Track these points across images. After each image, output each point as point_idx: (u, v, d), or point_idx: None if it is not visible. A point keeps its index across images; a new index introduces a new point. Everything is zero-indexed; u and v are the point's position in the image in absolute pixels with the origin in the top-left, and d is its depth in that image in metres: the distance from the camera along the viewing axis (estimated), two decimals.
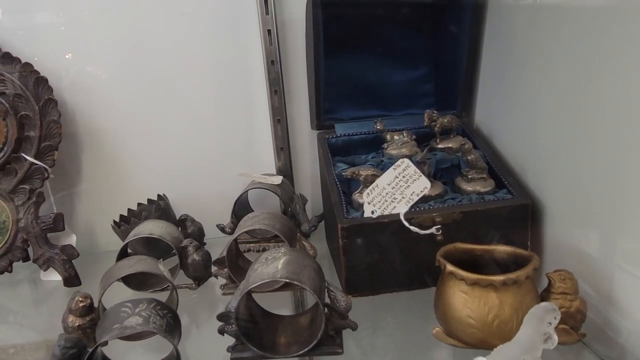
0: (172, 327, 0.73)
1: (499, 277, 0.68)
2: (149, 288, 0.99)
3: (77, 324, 0.80)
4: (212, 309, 0.99)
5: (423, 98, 1.25)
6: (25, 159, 1.08)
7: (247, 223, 0.97)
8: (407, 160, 0.89)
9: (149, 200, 1.18)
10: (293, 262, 0.76)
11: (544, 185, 0.92)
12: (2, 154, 1.09)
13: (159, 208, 1.13)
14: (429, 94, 1.25)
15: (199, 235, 1.16)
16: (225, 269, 0.98)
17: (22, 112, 1.09)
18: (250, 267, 0.80)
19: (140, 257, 0.88)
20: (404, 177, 0.87)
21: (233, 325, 0.76)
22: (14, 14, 1.14)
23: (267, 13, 1.15)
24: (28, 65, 1.10)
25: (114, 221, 1.15)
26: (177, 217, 1.18)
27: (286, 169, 1.28)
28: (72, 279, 1.08)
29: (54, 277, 1.11)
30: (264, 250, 1.12)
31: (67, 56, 1.16)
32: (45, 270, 1.09)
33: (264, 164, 1.28)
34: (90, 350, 0.68)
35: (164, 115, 1.23)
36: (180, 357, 0.74)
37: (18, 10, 1.14)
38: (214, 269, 1.00)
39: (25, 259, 1.13)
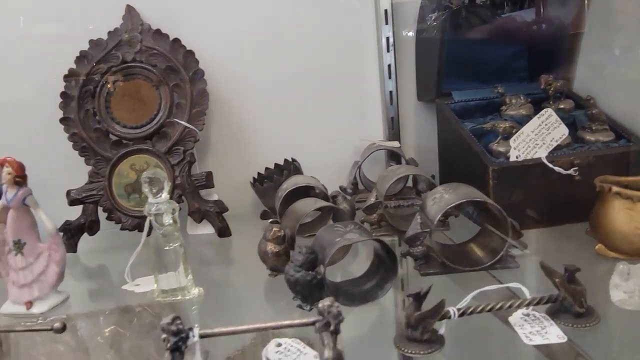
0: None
1: None
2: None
3: (275, 250, 0.91)
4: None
5: (517, 72, 1.38)
6: (179, 123, 1.20)
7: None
8: (550, 110, 1.01)
9: (285, 161, 1.29)
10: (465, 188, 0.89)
11: None
12: (157, 119, 1.21)
13: (296, 168, 1.25)
14: (523, 68, 1.39)
15: (324, 197, 1.27)
16: (374, 215, 1.09)
17: (174, 82, 1.21)
18: (421, 204, 0.93)
19: (313, 199, 1.00)
20: (546, 124, 1.00)
21: (419, 247, 0.88)
22: None
23: None
24: (177, 40, 1.22)
25: (253, 178, 1.26)
26: None
27: (396, 139, 1.40)
28: (225, 230, 1.19)
29: (201, 230, 1.22)
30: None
31: (207, 34, 1.29)
32: (199, 222, 1.19)
33: (374, 134, 1.41)
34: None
35: (293, 93, 1.36)
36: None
37: None
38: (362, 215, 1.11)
39: None
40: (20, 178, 0.83)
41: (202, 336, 0.63)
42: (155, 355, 0.76)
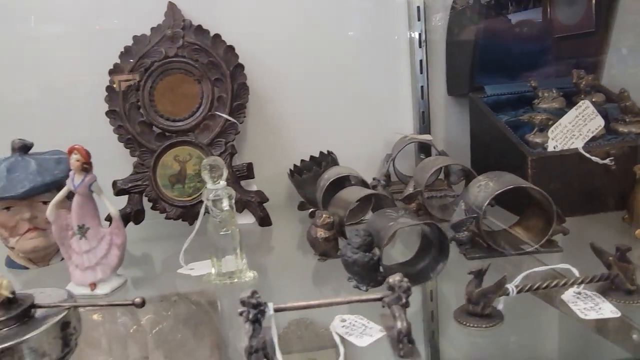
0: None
1: None
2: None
3: (325, 236, 0.95)
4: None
5: (546, 67, 1.42)
6: (220, 116, 1.24)
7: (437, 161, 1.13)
8: (587, 102, 1.05)
9: (321, 153, 1.33)
10: (508, 176, 0.92)
11: None
12: (199, 112, 1.24)
13: (333, 160, 1.29)
14: (552, 63, 1.42)
15: (364, 186, 1.31)
16: (413, 204, 1.13)
17: (215, 76, 1.25)
18: (463, 192, 0.96)
19: (358, 187, 1.04)
20: (583, 116, 1.04)
21: (465, 232, 0.92)
22: None
23: None
24: (218, 36, 1.26)
25: (290, 170, 1.30)
26: None
27: (426, 132, 1.44)
28: (266, 219, 1.22)
29: (241, 220, 1.25)
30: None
31: (245, 30, 1.33)
32: (240, 212, 1.23)
33: (405, 128, 1.45)
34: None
35: (327, 87, 1.41)
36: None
37: None
38: (402, 205, 1.15)
39: None
40: (87, 165, 0.86)
41: (276, 310, 0.67)
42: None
